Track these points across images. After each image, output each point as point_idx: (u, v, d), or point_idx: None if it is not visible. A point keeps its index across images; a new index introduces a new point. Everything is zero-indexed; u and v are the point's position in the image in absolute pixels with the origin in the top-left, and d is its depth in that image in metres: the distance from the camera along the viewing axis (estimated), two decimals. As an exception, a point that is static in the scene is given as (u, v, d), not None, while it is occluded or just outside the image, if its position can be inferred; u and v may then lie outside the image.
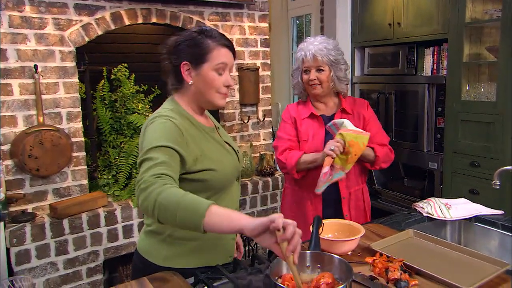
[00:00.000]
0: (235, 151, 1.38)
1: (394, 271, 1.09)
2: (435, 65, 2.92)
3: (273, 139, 3.70)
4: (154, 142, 1.11)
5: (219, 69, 1.22)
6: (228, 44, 1.25)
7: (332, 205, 1.82)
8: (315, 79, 1.78)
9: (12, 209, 2.18)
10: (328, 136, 1.77)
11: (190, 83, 1.23)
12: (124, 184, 2.56)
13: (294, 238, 0.90)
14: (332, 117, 1.83)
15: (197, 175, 1.20)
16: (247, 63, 2.98)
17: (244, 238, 2.80)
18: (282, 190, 2.45)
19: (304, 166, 1.75)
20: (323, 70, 1.77)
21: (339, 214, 1.81)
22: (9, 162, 2.17)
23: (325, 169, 1.60)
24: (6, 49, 2.12)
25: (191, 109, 1.28)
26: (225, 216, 0.96)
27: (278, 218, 0.89)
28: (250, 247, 2.82)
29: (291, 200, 1.91)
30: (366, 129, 1.79)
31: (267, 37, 3.07)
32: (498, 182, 1.56)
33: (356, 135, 1.60)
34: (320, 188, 1.63)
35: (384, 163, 1.83)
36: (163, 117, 1.19)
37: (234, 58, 1.28)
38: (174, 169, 1.08)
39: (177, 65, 1.23)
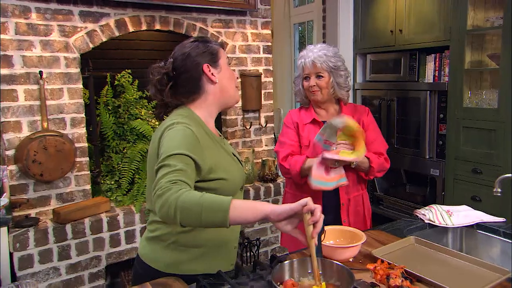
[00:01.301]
0: (239, 160, 1.40)
1: (396, 278, 1.09)
2: (436, 72, 2.93)
3: (275, 145, 3.71)
4: (172, 149, 1.12)
5: (229, 64, 1.36)
6: (222, 44, 1.39)
7: (332, 211, 1.82)
8: (314, 85, 1.80)
9: (15, 214, 2.19)
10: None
11: (216, 81, 1.29)
12: (126, 190, 2.57)
13: (320, 220, 1.01)
14: None
15: (210, 184, 1.22)
16: (250, 70, 3.00)
17: (246, 244, 2.80)
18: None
19: (308, 171, 1.76)
20: (322, 77, 1.79)
21: (338, 220, 1.81)
22: (13, 167, 2.18)
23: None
24: (12, 55, 2.14)
25: (204, 118, 1.31)
26: (248, 207, 1.02)
27: (310, 201, 1.00)
28: (252, 253, 2.83)
29: None
30: (365, 135, 1.78)
31: (269, 43, 3.09)
32: (499, 190, 1.56)
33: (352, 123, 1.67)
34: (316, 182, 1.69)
35: (378, 172, 1.84)
36: (181, 124, 1.20)
37: None
38: (189, 176, 1.10)
39: (196, 74, 1.27)
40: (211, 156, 1.22)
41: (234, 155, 1.39)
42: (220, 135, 1.40)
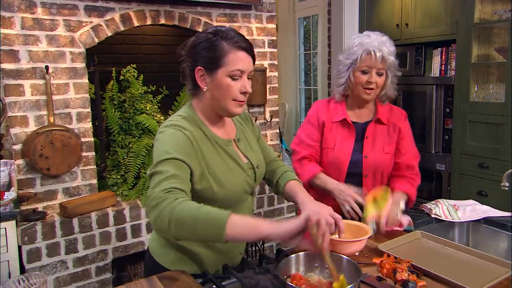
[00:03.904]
0: (252, 165, 1.27)
1: (402, 272, 1.09)
2: (443, 66, 2.91)
3: (280, 140, 3.70)
4: (164, 154, 1.06)
5: (235, 75, 1.13)
6: (245, 46, 1.14)
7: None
8: (375, 82, 1.54)
9: (23, 207, 2.21)
10: (358, 145, 1.61)
11: (204, 89, 1.16)
12: (132, 184, 2.59)
13: (327, 234, 1.00)
14: (365, 125, 1.65)
15: (200, 193, 1.14)
16: (255, 64, 2.99)
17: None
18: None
19: (316, 185, 1.64)
20: (382, 75, 1.55)
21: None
22: (20, 161, 2.20)
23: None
24: (18, 50, 2.15)
25: (207, 117, 1.21)
26: (247, 225, 0.97)
27: (312, 215, 0.97)
28: (258, 248, 2.84)
29: None
30: (400, 144, 1.63)
31: (274, 38, 3.08)
32: (507, 184, 1.55)
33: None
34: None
35: None
36: (174, 127, 1.13)
37: (254, 60, 1.18)
38: (184, 182, 1.05)
39: (192, 70, 1.17)
40: (203, 161, 1.14)
41: (248, 159, 1.26)
42: (236, 137, 1.27)
